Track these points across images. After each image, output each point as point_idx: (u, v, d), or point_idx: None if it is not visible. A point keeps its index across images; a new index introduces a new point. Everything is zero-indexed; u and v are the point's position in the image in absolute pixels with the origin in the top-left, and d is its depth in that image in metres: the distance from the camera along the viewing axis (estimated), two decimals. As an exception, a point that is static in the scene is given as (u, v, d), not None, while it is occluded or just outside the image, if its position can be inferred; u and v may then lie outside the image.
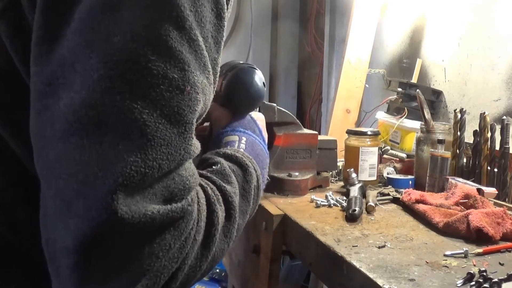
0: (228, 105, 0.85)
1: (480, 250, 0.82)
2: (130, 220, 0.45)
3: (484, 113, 1.25)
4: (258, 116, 0.89)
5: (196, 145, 0.54)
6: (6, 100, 0.53)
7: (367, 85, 2.12)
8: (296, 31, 3.11)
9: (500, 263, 0.78)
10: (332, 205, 1.13)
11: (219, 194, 0.61)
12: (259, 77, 0.86)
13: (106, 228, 0.45)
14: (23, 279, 0.55)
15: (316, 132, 1.30)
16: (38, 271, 0.54)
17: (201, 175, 0.62)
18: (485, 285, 0.68)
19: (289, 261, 2.27)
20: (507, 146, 1.19)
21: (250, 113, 0.87)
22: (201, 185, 0.59)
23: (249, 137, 0.80)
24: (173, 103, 0.49)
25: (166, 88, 0.48)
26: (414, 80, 1.76)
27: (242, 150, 0.76)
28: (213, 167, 0.66)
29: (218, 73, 0.59)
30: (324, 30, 2.68)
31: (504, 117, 1.29)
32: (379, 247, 0.84)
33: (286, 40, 3.12)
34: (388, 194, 1.19)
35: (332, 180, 1.39)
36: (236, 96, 0.85)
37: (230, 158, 0.70)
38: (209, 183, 0.62)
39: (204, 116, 0.59)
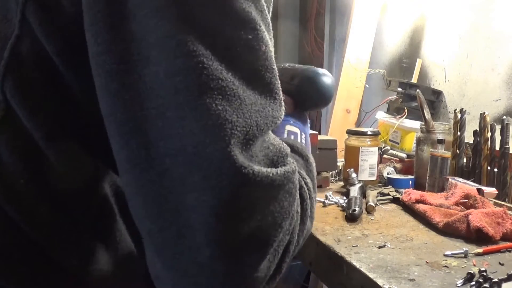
0: (297, 97, 0.83)
1: (480, 250, 0.82)
2: (254, 181, 0.44)
3: (484, 113, 1.25)
4: (308, 119, 0.89)
5: (283, 109, 0.52)
6: (33, 88, 0.50)
7: (367, 85, 2.12)
8: (296, 31, 3.11)
9: (500, 263, 0.78)
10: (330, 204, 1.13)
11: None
12: (333, 84, 0.85)
13: (232, 193, 0.43)
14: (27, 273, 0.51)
15: (316, 132, 1.30)
16: (48, 264, 0.52)
17: None
18: (485, 285, 0.68)
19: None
20: (507, 146, 1.19)
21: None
22: None
23: (306, 135, 0.79)
24: (251, 64, 0.47)
25: (242, 49, 0.46)
26: (414, 80, 1.75)
27: (303, 144, 0.75)
28: None
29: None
30: (324, 30, 2.68)
31: (504, 117, 1.29)
32: (379, 247, 0.84)
33: (286, 40, 3.12)
34: (388, 194, 1.19)
35: (332, 180, 1.39)
36: (309, 91, 0.83)
37: (292, 147, 0.67)
38: None
39: None
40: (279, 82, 0.51)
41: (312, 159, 0.70)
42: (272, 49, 0.51)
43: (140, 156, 0.45)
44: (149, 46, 0.44)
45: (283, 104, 0.52)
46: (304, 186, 0.58)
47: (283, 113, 0.52)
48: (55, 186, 0.51)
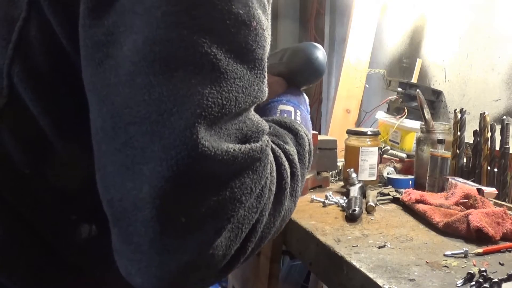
0: (288, 74, 0.82)
1: (480, 250, 0.82)
2: (212, 157, 0.43)
3: (484, 113, 1.25)
4: (305, 96, 0.86)
5: (267, 90, 0.51)
6: (41, 73, 0.50)
7: (367, 85, 2.12)
8: (296, 31, 3.11)
9: (500, 263, 0.78)
10: (330, 204, 1.13)
11: (280, 151, 0.57)
12: (324, 55, 0.82)
13: (187, 166, 0.42)
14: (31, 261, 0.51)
15: (316, 132, 1.30)
16: (49, 256, 0.51)
17: None
18: (485, 285, 0.68)
19: (289, 261, 2.27)
20: (507, 146, 1.19)
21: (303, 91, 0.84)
22: None
23: (303, 112, 0.77)
24: (241, 38, 0.46)
25: (232, 23, 0.46)
26: (414, 80, 1.75)
27: (297, 121, 0.72)
28: None
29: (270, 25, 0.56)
30: (324, 30, 2.68)
31: (504, 117, 1.29)
32: (379, 247, 0.84)
33: (286, 40, 3.12)
34: (388, 194, 1.19)
35: (332, 180, 1.39)
36: (299, 66, 0.81)
37: (279, 123, 0.66)
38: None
39: None
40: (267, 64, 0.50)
41: (304, 133, 0.68)
42: (265, 29, 0.50)
43: (109, 124, 0.44)
44: (135, 17, 0.44)
45: (266, 84, 0.51)
46: (285, 164, 0.56)
47: (266, 94, 0.51)
48: (61, 177, 0.51)
